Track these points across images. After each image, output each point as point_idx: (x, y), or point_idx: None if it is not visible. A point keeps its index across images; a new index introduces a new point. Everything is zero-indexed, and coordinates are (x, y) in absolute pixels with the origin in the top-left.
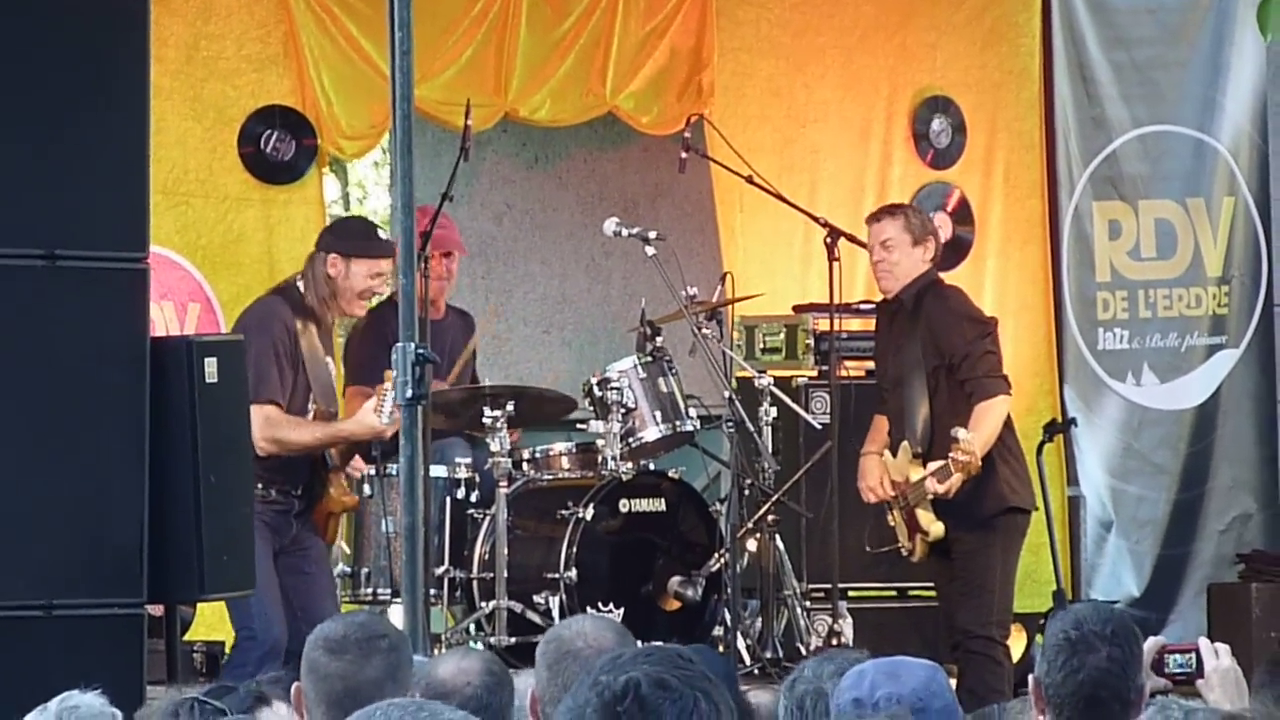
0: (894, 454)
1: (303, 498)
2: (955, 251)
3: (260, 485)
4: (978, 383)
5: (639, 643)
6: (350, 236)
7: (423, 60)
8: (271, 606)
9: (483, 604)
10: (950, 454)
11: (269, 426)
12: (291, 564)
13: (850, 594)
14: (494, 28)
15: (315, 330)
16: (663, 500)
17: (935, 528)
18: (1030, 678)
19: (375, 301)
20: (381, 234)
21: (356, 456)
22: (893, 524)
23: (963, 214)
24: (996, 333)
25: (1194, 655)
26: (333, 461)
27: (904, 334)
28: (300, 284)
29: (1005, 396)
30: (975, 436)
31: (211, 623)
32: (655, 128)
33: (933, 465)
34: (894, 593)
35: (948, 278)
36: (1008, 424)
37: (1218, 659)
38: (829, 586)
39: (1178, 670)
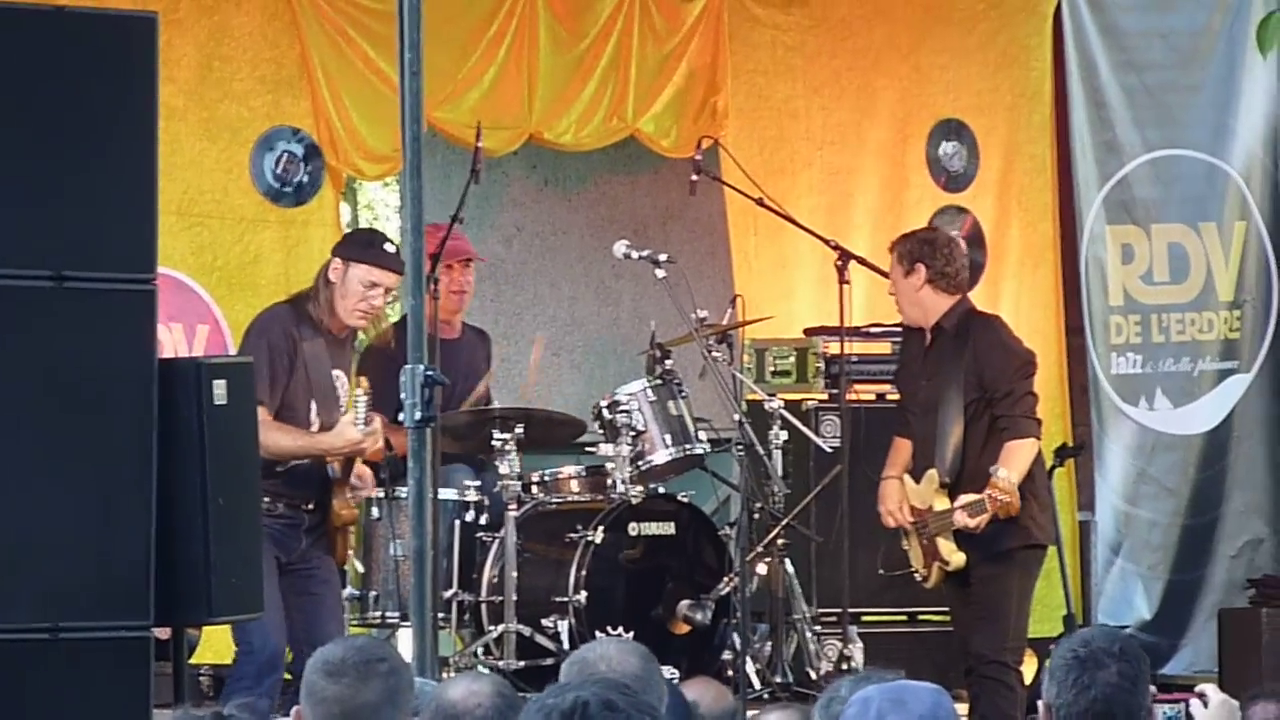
0: (916, 479)
1: (314, 513)
2: (969, 275)
3: (268, 498)
4: (1013, 421)
5: (659, 666)
6: (353, 242)
7: (443, 82)
8: (269, 618)
9: (491, 627)
10: (988, 491)
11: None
12: (297, 583)
13: (861, 618)
14: (512, 49)
15: (323, 341)
16: (672, 524)
17: (956, 558)
18: (1040, 704)
19: (372, 327)
20: (389, 247)
21: (360, 467)
22: (907, 548)
23: (975, 238)
24: (1035, 373)
25: (1183, 706)
26: (334, 474)
27: (944, 360)
28: (311, 295)
29: (1035, 440)
30: (1010, 475)
31: (217, 647)
32: (675, 151)
33: (965, 498)
34: (904, 617)
35: None
36: (1038, 461)
37: (1206, 709)
38: (839, 611)
39: None
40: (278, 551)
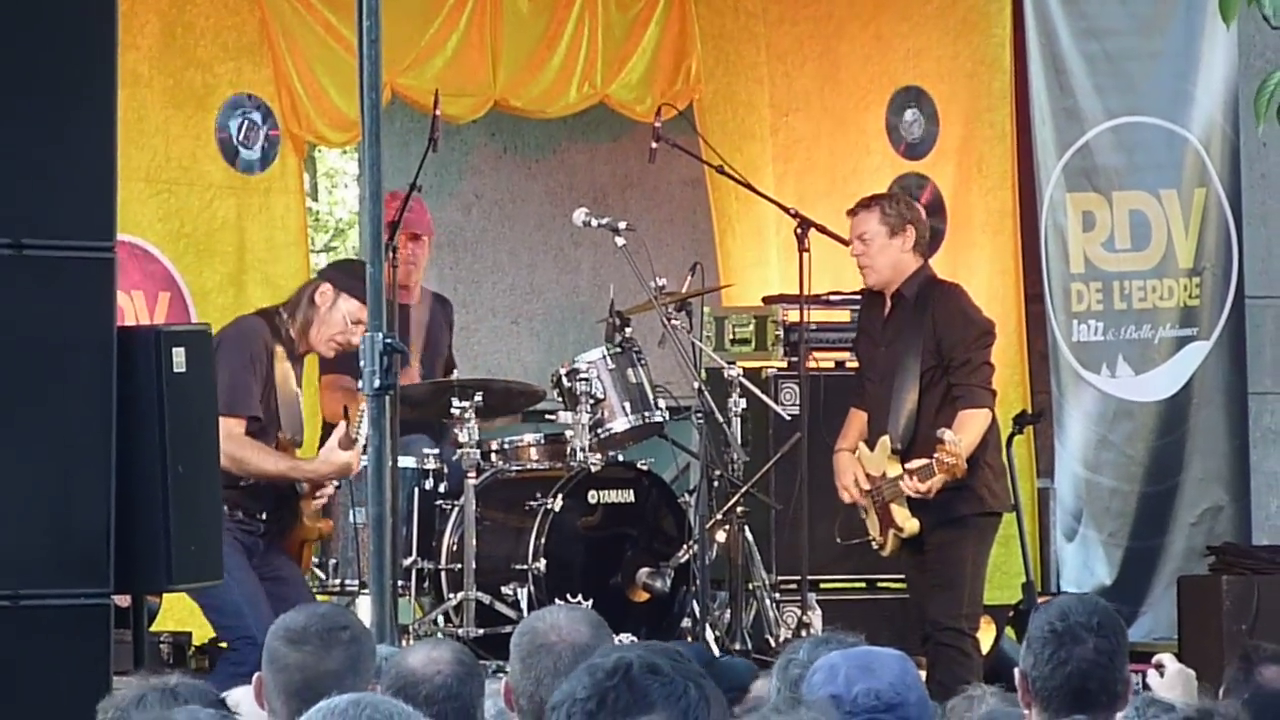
0: (870, 447)
1: (269, 523)
2: (930, 243)
3: (226, 507)
4: (968, 389)
5: (612, 634)
6: (350, 274)
7: (406, 49)
8: (263, 610)
9: (451, 595)
10: (935, 454)
11: (232, 443)
12: (266, 589)
13: (819, 586)
14: (474, 16)
15: (289, 360)
16: (631, 491)
17: (910, 524)
18: (1016, 671)
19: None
20: None
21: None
22: (865, 517)
23: (936, 206)
24: (993, 343)
25: (1140, 676)
26: (302, 489)
27: (903, 327)
28: (284, 311)
29: (989, 410)
30: (960, 440)
31: (179, 615)
32: (649, 116)
33: (914, 464)
34: (863, 584)
35: None
36: (993, 428)
37: (1162, 679)
38: (798, 578)
39: None
40: (246, 553)
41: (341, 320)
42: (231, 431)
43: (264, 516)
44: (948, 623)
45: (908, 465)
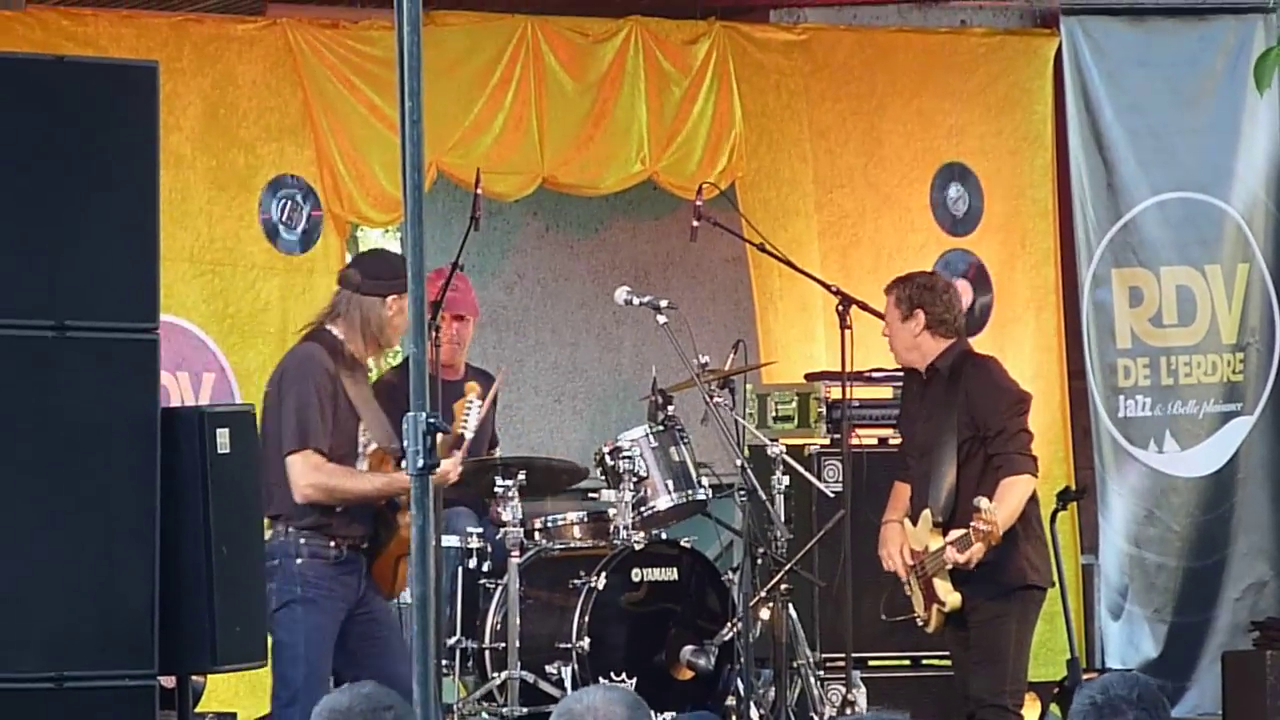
0: (914, 523)
1: (368, 550)
2: (976, 319)
3: (331, 542)
4: (1007, 458)
5: (653, 714)
6: (380, 266)
7: (451, 128)
8: (321, 690)
9: (495, 674)
10: (971, 523)
11: (320, 474)
12: (361, 630)
13: (864, 663)
14: (519, 94)
15: (352, 373)
16: (675, 569)
17: (952, 598)
18: None
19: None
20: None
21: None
22: (909, 594)
23: (982, 282)
24: (1028, 410)
25: None
26: (401, 500)
27: (939, 402)
28: (334, 329)
29: (1031, 476)
30: (998, 508)
31: (223, 695)
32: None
33: (953, 534)
34: (908, 662)
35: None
36: (1034, 501)
37: None
38: (843, 655)
39: None
40: (344, 604)
41: (404, 316)
42: (314, 463)
43: (366, 546)
44: (991, 699)
45: (948, 538)
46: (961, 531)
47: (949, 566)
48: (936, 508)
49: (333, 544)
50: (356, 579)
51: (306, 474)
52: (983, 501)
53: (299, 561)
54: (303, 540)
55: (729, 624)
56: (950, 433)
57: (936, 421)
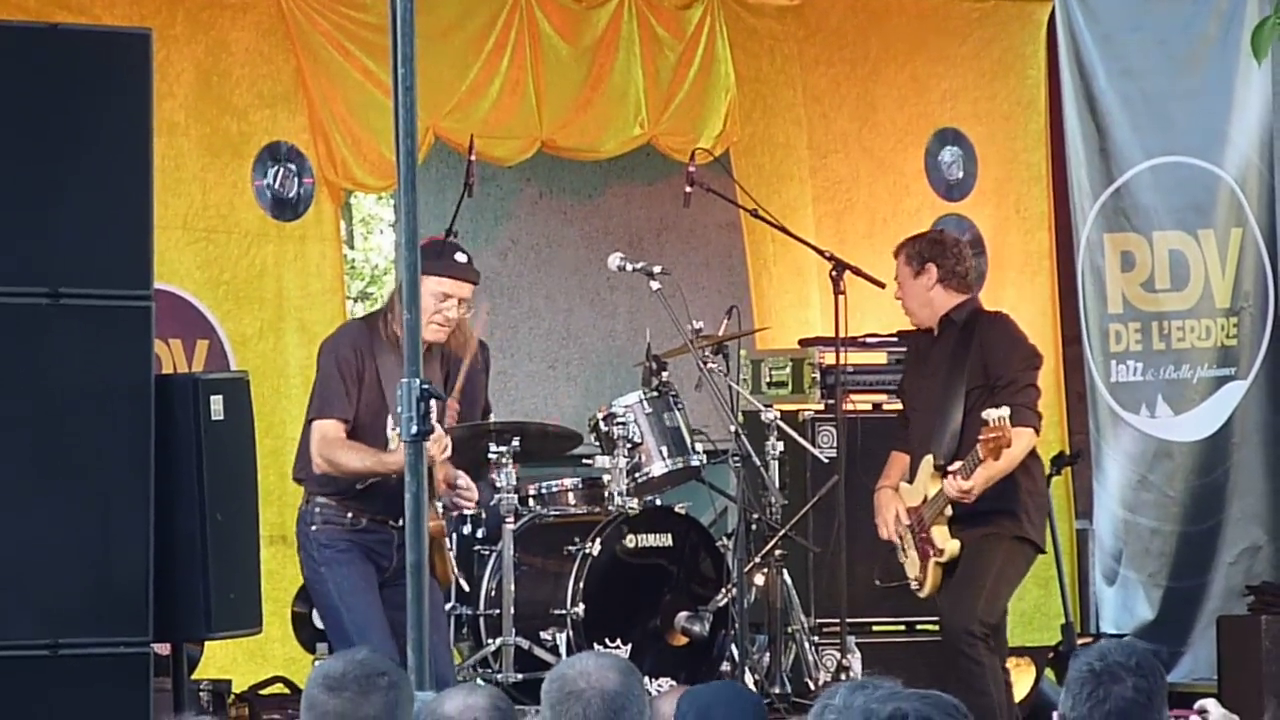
0: (911, 481)
1: (403, 529)
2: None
3: (351, 514)
4: (1015, 409)
5: (646, 679)
6: (423, 254)
7: (447, 94)
8: (377, 636)
9: (489, 640)
10: (980, 436)
11: (325, 445)
12: (395, 598)
13: (859, 628)
14: (514, 59)
15: (397, 358)
16: (669, 535)
17: (950, 545)
18: (1055, 715)
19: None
20: (460, 256)
21: (448, 471)
22: (903, 560)
23: (977, 246)
24: (1039, 368)
25: None
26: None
27: (948, 353)
28: (390, 311)
29: (1034, 432)
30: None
31: (220, 662)
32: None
33: (954, 465)
34: (902, 627)
35: None
36: (1037, 460)
37: None
38: (837, 621)
39: None
40: (374, 564)
41: (430, 301)
42: (326, 434)
43: (399, 523)
44: (960, 624)
45: (950, 468)
46: (963, 461)
47: (948, 511)
48: (939, 452)
49: (350, 515)
50: (389, 550)
51: (317, 444)
52: (990, 411)
53: (314, 528)
54: (317, 510)
55: (723, 590)
56: (959, 381)
57: (947, 369)
